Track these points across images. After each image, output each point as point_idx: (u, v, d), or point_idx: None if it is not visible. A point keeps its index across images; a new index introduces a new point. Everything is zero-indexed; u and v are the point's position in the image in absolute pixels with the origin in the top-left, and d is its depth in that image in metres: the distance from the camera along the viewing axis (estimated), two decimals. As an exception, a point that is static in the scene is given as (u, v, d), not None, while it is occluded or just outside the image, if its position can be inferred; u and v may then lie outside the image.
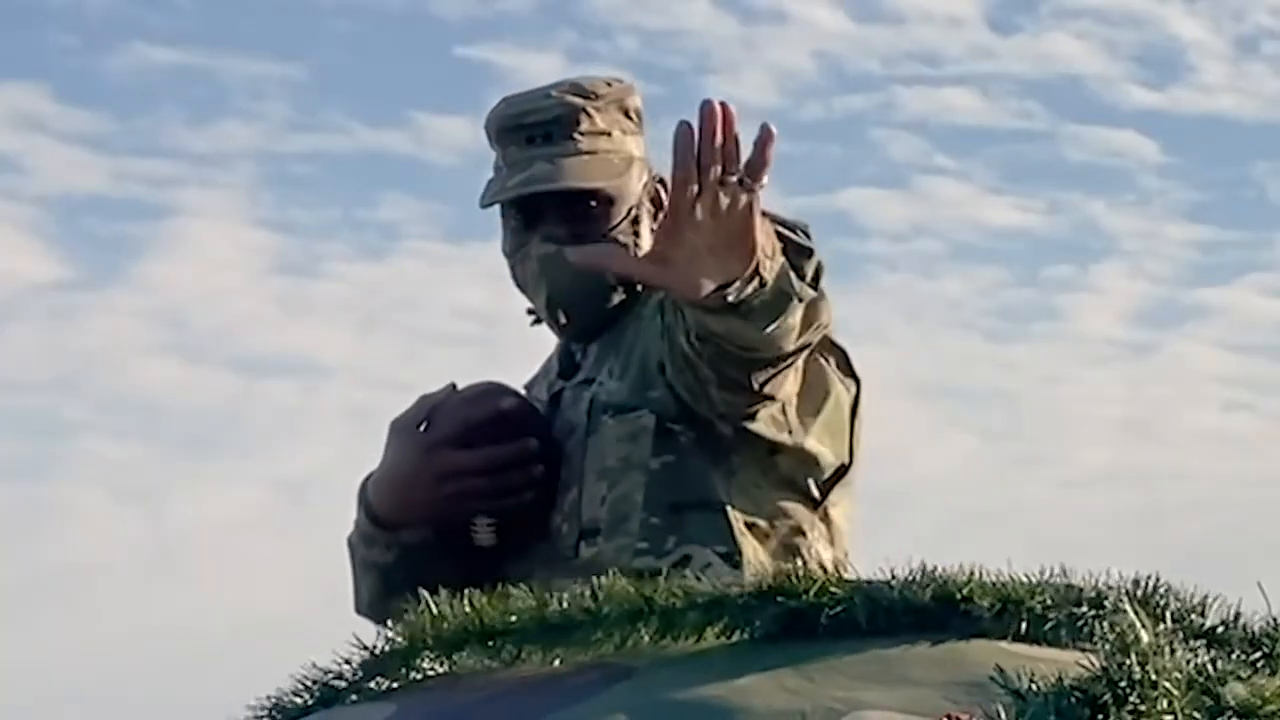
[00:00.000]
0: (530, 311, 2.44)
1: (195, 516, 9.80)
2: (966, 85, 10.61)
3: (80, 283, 10.25)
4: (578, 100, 2.36)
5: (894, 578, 1.66)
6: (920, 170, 10.78)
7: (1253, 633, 1.69)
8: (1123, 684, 1.47)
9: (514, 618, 1.66)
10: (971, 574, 1.65)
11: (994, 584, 1.65)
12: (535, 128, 2.35)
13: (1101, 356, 11.05)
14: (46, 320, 10.35)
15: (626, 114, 2.41)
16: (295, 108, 10.09)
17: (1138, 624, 1.60)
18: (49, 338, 10.25)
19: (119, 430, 9.96)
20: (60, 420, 10.02)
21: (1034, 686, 1.47)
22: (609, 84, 2.41)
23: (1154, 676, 1.48)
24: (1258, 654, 1.65)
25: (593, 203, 2.35)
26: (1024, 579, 1.67)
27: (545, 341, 2.52)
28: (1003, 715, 1.45)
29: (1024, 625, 1.63)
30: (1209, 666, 1.51)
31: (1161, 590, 1.70)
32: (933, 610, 1.63)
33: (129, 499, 9.92)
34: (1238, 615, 1.71)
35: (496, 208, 2.40)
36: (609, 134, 2.38)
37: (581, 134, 2.36)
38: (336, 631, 1.77)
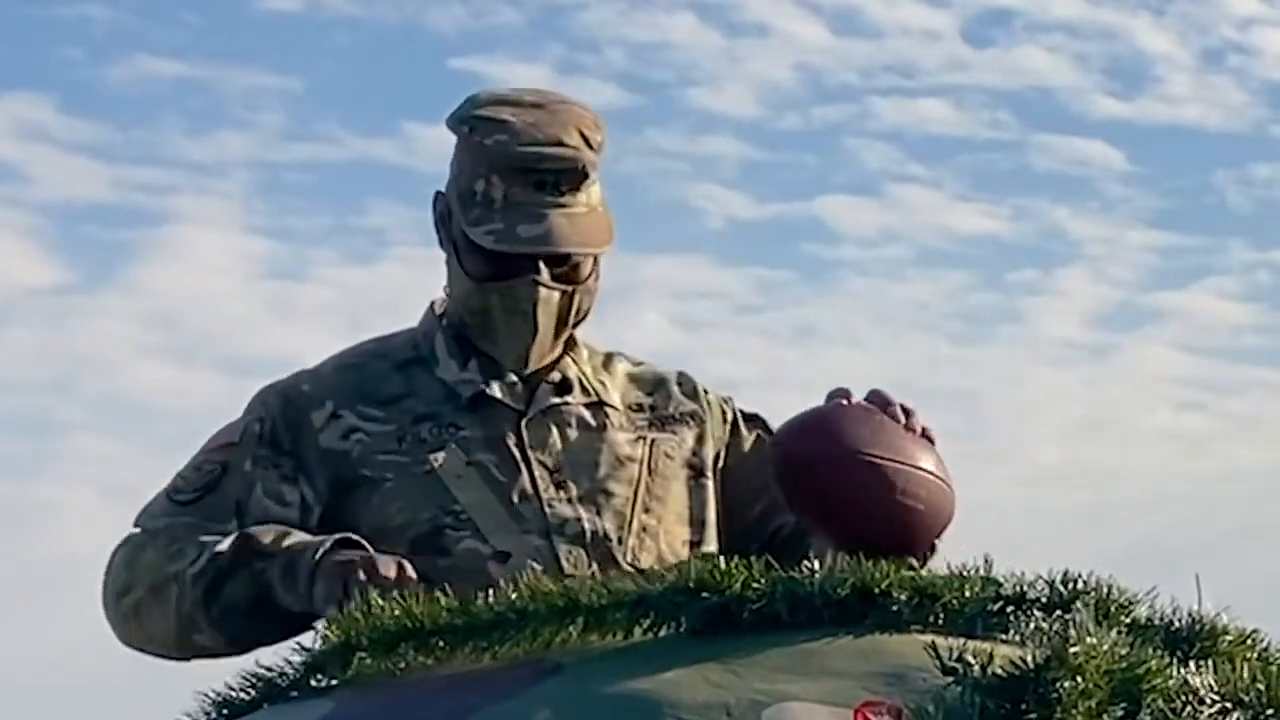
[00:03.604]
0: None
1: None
2: (940, 96, 10.71)
3: (77, 287, 10.33)
4: (589, 154, 2.37)
5: (814, 572, 1.70)
6: (892, 178, 10.88)
7: (1180, 627, 1.73)
8: (1046, 674, 1.50)
9: (446, 617, 1.69)
10: (890, 568, 1.69)
11: (912, 578, 1.68)
12: (547, 174, 2.34)
13: (1062, 358, 11.18)
14: (43, 323, 10.43)
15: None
16: (290, 118, 10.19)
17: (1063, 618, 1.63)
18: (45, 340, 10.33)
19: (109, 430, 10.02)
20: (52, 420, 10.09)
21: (963, 668, 1.50)
22: (598, 126, 2.40)
23: (1076, 667, 1.50)
24: (1184, 647, 1.68)
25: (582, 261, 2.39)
26: (944, 574, 1.71)
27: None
28: (931, 709, 1.49)
29: (940, 618, 1.66)
30: (1131, 659, 1.54)
31: (1086, 585, 1.73)
32: (852, 603, 1.66)
33: (118, 496, 9.98)
34: (1165, 610, 1.74)
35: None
36: (596, 182, 2.40)
37: (586, 188, 2.38)
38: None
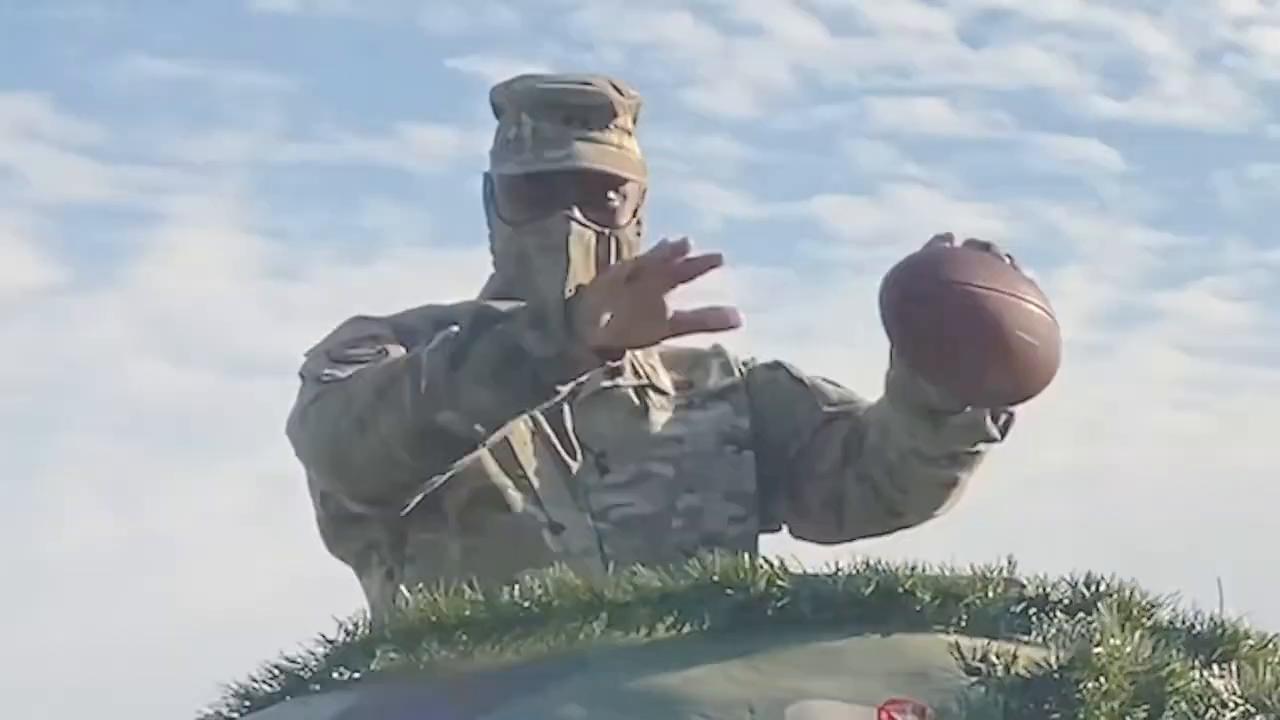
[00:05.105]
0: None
1: (179, 513, 9.90)
2: (937, 96, 10.73)
3: (74, 287, 10.34)
4: (615, 95, 2.45)
5: (838, 570, 1.70)
6: (890, 178, 10.90)
7: (1202, 631, 1.72)
8: (1070, 675, 1.50)
9: (470, 611, 1.70)
10: (914, 568, 1.69)
11: (935, 578, 1.68)
12: (575, 109, 2.41)
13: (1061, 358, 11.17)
14: (41, 323, 10.45)
15: (635, 120, 2.50)
16: (287, 118, 10.21)
17: (1086, 620, 1.64)
18: (43, 340, 10.34)
19: (106, 429, 10.04)
20: (50, 419, 10.11)
21: (987, 669, 1.50)
22: (632, 89, 2.48)
23: (1099, 669, 1.51)
24: (1206, 651, 1.68)
25: (614, 195, 2.43)
26: (967, 574, 1.71)
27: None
28: (955, 708, 1.49)
29: (963, 619, 1.67)
30: (1154, 662, 1.55)
31: (1109, 588, 1.73)
32: (875, 602, 1.67)
33: (115, 496, 10.00)
34: (1188, 614, 1.73)
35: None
36: (630, 134, 2.47)
37: (615, 127, 2.44)
38: (316, 624, 1.81)
